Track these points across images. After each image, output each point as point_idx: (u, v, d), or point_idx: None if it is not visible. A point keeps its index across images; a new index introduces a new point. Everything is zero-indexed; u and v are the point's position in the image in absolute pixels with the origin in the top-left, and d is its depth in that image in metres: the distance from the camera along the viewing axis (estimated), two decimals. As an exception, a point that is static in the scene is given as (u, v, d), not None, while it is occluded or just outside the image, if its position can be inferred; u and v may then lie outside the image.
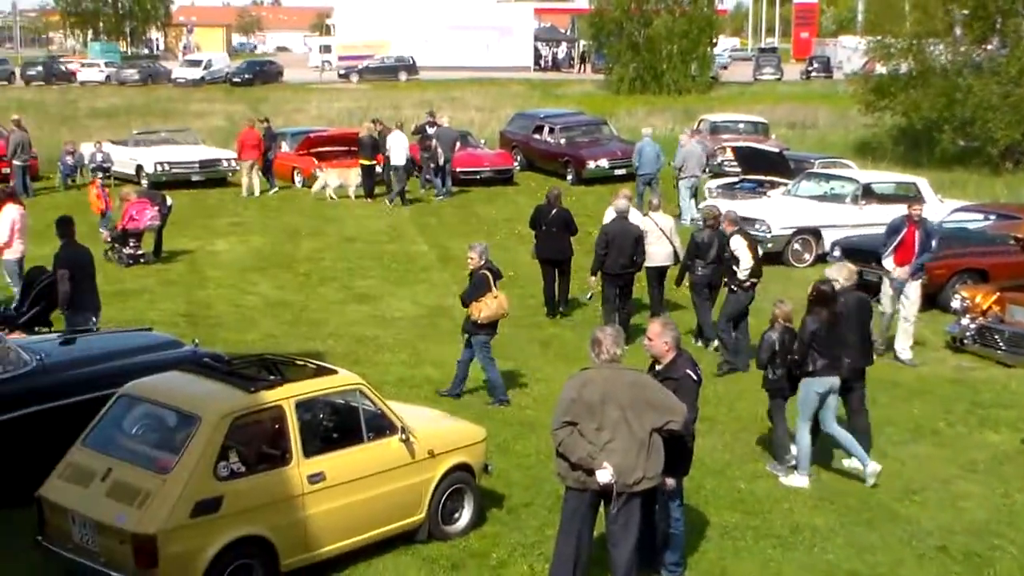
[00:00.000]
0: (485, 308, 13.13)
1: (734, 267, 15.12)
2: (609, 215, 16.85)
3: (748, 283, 15.03)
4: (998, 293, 16.18)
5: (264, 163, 29.13)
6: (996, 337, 15.60)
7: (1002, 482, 11.39)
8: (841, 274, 12.01)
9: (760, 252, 15.88)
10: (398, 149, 27.68)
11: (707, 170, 29.07)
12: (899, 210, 21.55)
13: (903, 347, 15.61)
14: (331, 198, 28.04)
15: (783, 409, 11.58)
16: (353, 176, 28.43)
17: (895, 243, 15.68)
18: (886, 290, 15.90)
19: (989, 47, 35.50)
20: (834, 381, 11.13)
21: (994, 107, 32.73)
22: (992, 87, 33.12)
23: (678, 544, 8.96)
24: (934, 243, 15.73)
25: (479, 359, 13.36)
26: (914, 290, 15.57)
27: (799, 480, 11.21)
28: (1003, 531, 10.20)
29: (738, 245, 15.07)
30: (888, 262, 15.78)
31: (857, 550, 9.72)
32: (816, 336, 10.94)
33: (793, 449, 11.41)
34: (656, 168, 26.60)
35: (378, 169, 28.49)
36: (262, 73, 71.06)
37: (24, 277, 15.02)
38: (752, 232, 21.59)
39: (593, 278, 16.28)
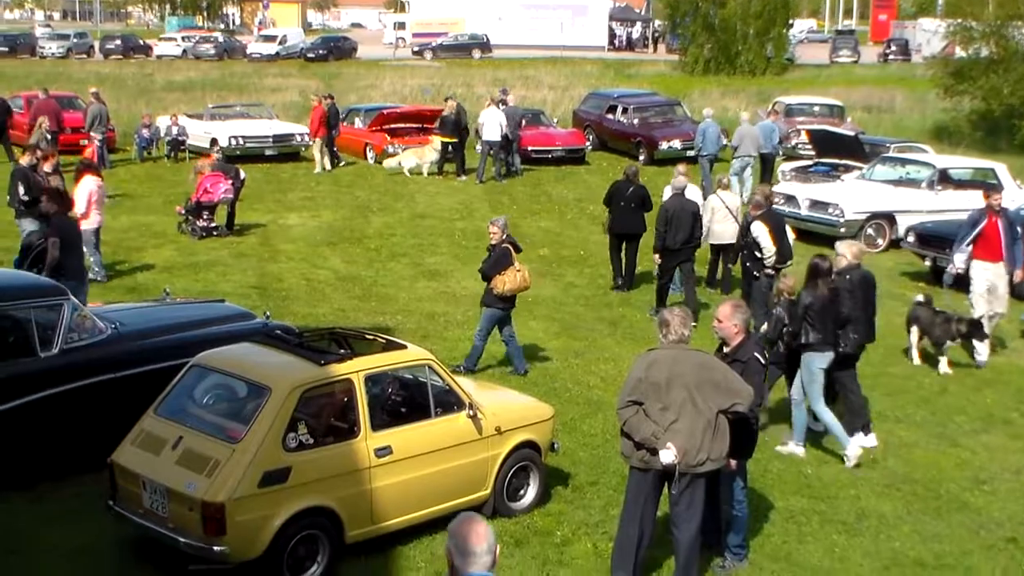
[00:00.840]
0: (509, 281, 13.20)
1: (756, 253, 15.06)
2: (667, 192, 16.92)
3: (773, 269, 14.87)
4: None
5: (328, 139, 29.28)
6: (1072, 326, 15.34)
7: (1077, 473, 11.23)
8: (850, 250, 12.06)
9: (791, 235, 15.85)
10: (492, 125, 27.67)
11: (781, 152, 28.81)
12: (976, 196, 21.46)
13: (983, 348, 14.71)
14: (408, 173, 28.18)
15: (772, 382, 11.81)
16: (429, 153, 28.55)
17: (972, 236, 14.90)
18: (978, 288, 14.86)
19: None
20: (831, 355, 11.17)
21: (1076, 93, 32.13)
22: (1075, 72, 32.50)
23: (741, 526, 8.94)
24: (1020, 229, 14.91)
25: (479, 329, 13.39)
26: (1004, 285, 14.95)
27: (794, 449, 11.36)
28: (1077, 525, 10.06)
29: (759, 232, 15.00)
30: (960, 257, 15.01)
31: (923, 538, 9.64)
32: (810, 310, 10.99)
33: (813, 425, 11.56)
34: (718, 148, 26.53)
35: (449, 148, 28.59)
36: (336, 49, 71.41)
37: (23, 242, 15.18)
38: (825, 216, 21.55)
39: (657, 255, 16.33)
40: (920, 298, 14.94)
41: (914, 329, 14.72)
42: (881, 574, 8.99)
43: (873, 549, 9.42)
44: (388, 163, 28.86)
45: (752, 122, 27.19)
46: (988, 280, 14.75)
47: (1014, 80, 33.35)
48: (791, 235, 15.88)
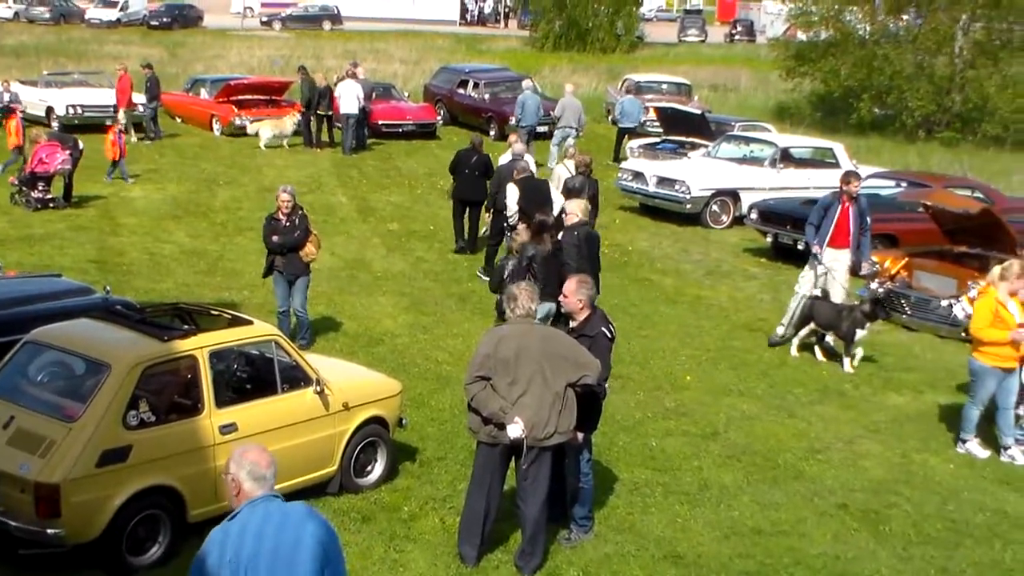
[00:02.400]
0: (314, 247, 13.22)
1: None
2: (505, 158, 17.65)
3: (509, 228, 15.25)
4: (906, 259, 16.52)
5: (151, 111, 28.47)
6: (902, 302, 15.92)
7: (901, 442, 11.69)
8: (578, 207, 12.57)
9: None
10: (349, 97, 27.34)
11: (639, 127, 29.31)
12: (815, 175, 22.15)
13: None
14: (264, 147, 27.64)
15: None
16: (288, 125, 28.11)
17: (830, 226, 14.24)
18: (808, 272, 14.62)
19: (905, 17, 36.03)
20: (551, 306, 11.60)
21: (910, 77, 33.31)
22: (908, 57, 33.69)
23: (587, 499, 9.06)
24: (869, 220, 14.50)
25: (302, 302, 13.31)
26: (844, 273, 14.55)
27: None
28: (900, 489, 10.48)
29: (510, 192, 15.89)
30: (825, 250, 14.33)
31: (761, 507, 9.92)
32: (534, 261, 11.64)
33: None
34: (537, 119, 27.13)
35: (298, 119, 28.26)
36: (182, 17, 69.56)
37: None
38: (672, 193, 21.94)
39: (487, 213, 17.17)
40: (817, 293, 14.43)
41: (810, 325, 14.24)
42: (721, 543, 9.22)
43: (714, 518, 9.66)
44: (263, 136, 28.04)
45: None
46: (827, 265, 14.41)
47: (851, 63, 34.42)
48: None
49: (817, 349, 14.44)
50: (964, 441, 11.53)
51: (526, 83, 28.87)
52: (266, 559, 5.02)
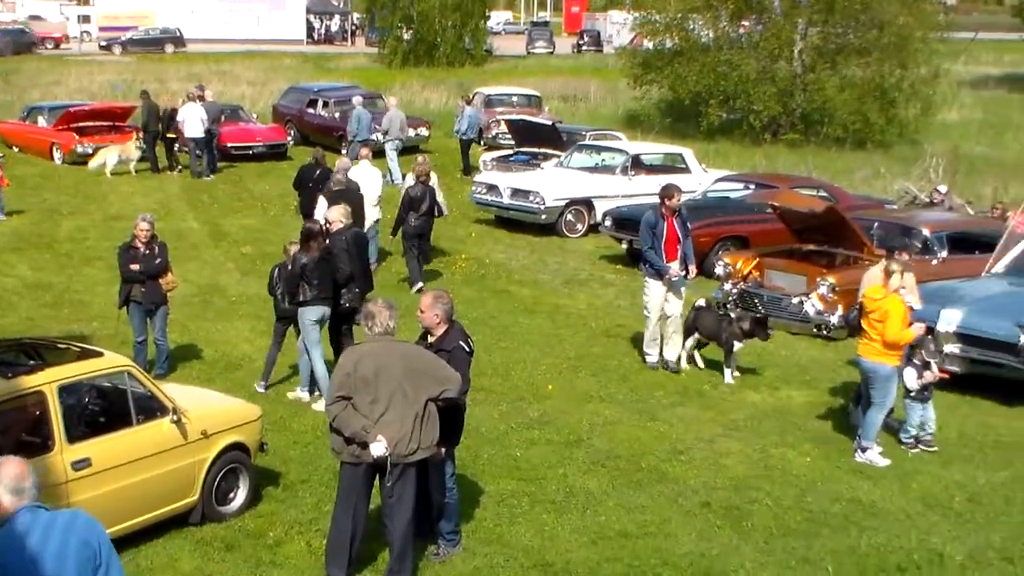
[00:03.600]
0: (173, 276, 13.36)
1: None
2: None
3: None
4: (757, 259, 16.92)
5: None
6: (755, 301, 16.29)
7: (759, 438, 11.94)
8: (340, 214, 13.17)
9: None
10: (193, 121, 26.84)
11: (482, 141, 29.59)
12: (667, 180, 22.46)
13: (676, 351, 14.36)
14: (108, 174, 26.90)
15: (279, 334, 12.95)
16: (133, 150, 27.44)
17: (660, 243, 13.92)
18: (654, 291, 14.11)
19: (747, 24, 36.97)
20: (325, 310, 12.25)
21: (754, 81, 34.19)
22: (751, 62, 34.57)
23: (453, 513, 9.04)
24: (689, 227, 14.36)
25: (160, 328, 13.22)
26: (683, 290, 14.36)
27: (318, 404, 12.07)
28: (760, 484, 10.70)
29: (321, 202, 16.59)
30: (670, 265, 13.92)
31: (627, 510, 10.02)
32: (306, 269, 11.99)
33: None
34: (371, 133, 27.35)
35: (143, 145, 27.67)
36: (15, 43, 67.39)
37: None
38: (526, 204, 22.10)
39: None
40: (701, 303, 14.41)
41: (695, 336, 14.21)
42: (589, 548, 9.29)
43: (581, 525, 9.73)
44: (92, 164, 27.33)
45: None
46: (663, 284, 14.03)
47: (697, 70, 35.12)
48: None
49: (696, 355, 14.42)
50: (865, 449, 11.39)
51: (356, 99, 29.11)
52: (35, 567, 5.00)
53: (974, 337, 12.90)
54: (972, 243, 17.02)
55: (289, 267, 12.41)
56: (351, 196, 16.43)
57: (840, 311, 15.37)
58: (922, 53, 34.43)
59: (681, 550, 9.27)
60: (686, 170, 23.39)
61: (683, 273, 14.07)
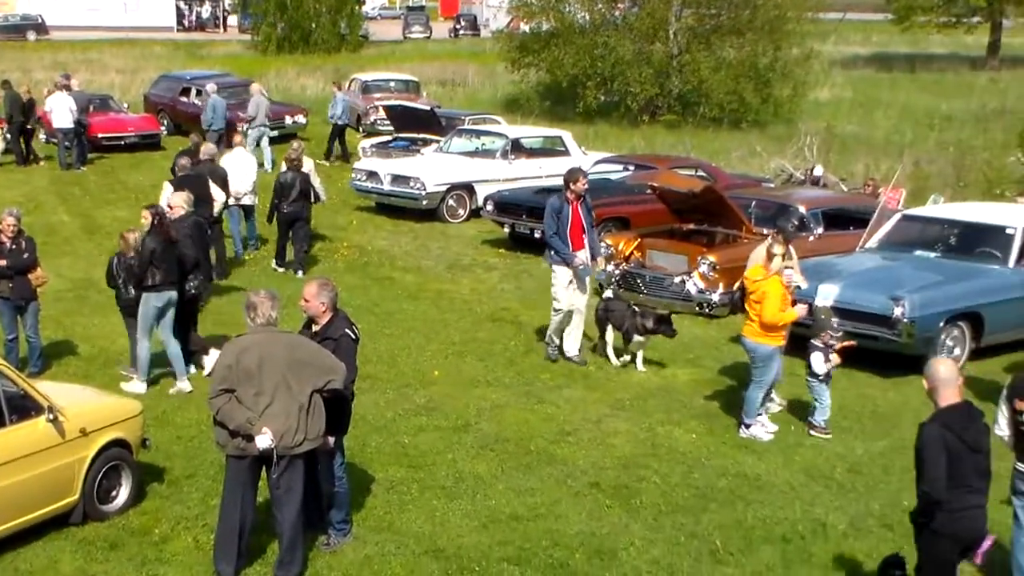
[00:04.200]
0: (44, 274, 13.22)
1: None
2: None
3: None
4: (639, 240, 17.07)
5: None
6: (638, 281, 16.45)
7: (646, 417, 12.05)
8: (182, 200, 13.50)
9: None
10: (61, 111, 26.06)
11: (361, 128, 29.34)
12: (547, 163, 22.63)
13: (576, 344, 13.95)
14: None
15: (134, 327, 12.59)
16: None
17: (566, 230, 13.40)
18: (561, 279, 13.55)
19: (622, 5, 37.21)
20: (172, 295, 12.43)
21: (630, 63, 34.46)
22: (627, 44, 34.83)
23: (343, 502, 8.96)
24: (593, 215, 13.92)
25: (32, 325, 12.97)
26: (587, 281, 13.94)
27: (136, 387, 12.37)
28: (648, 462, 10.81)
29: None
30: (577, 255, 13.44)
31: (517, 493, 10.04)
32: (154, 254, 12.16)
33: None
34: (225, 121, 27.12)
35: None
36: None
37: None
38: (407, 190, 21.99)
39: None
40: (609, 294, 14.30)
41: (609, 328, 13.82)
42: (480, 532, 9.29)
43: (471, 509, 9.72)
44: None
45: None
46: (568, 273, 13.60)
47: (574, 52, 35.23)
48: None
49: (610, 349, 13.93)
50: (748, 426, 11.52)
51: (210, 86, 28.76)
52: None
53: (850, 311, 13.18)
54: (847, 219, 17.42)
55: (127, 256, 12.41)
56: (195, 182, 16.15)
57: (721, 289, 15.62)
58: (795, 34, 35.07)
59: (571, 530, 9.32)
60: (565, 153, 23.48)
61: (590, 264, 13.71)
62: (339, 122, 28.73)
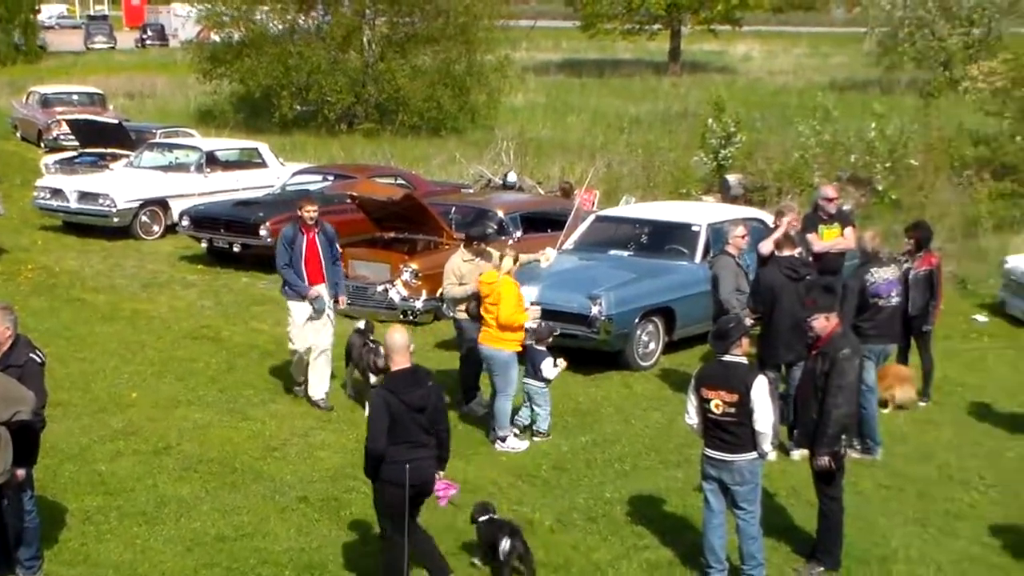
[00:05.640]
0: None
1: None
2: None
3: None
4: (341, 251, 16.89)
5: None
6: (343, 292, 16.31)
7: (354, 428, 11.81)
8: None
9: None
10: None
11: (42, 143, 27.98)
12: (244, 176, 22.23)
13: (324, 386, 12.71)
14: None
15: None
16: None
17: (300, 262, 12.37)
18: (296, 315, 12.49)
19: (315, 14, 36.96)
20: None
21: (325, 72, 34.28)
22: (322, 53, 34.63)
23: (33, 537, 8.45)
24: (338, 248, 13.01)
25: None
26: (331, 317, 12.71)
27: None
28: (356, 473, 10.53)
29: None
30: (313, 288, 12.40)
31: (223, 513, 9.77)
32: None
33: None
34: None
35: None
36: None
37: None
38: (97, 207, 21.08)
39: None
40: (360, 325, 12.94)
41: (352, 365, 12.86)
42: (184, 556, 8.98)
43: (175, 534, 9.39)
44: None
45: None
46: (306, 309, 12.45)
47: (267, 62, 34.71)
48: None
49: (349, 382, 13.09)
50: (503, 439, 11.43)
51: None
52: None
53: (550, 311, 13.51)
54: (544, 222, 17.88)
55: None
56: None
57: (425, 296, 15.71)
58: (486, 41, 35.76)
59: (280, 547, 9.16)
60: (263, 164, 23.14)
61: (330, 300, 12.58)
62: None
